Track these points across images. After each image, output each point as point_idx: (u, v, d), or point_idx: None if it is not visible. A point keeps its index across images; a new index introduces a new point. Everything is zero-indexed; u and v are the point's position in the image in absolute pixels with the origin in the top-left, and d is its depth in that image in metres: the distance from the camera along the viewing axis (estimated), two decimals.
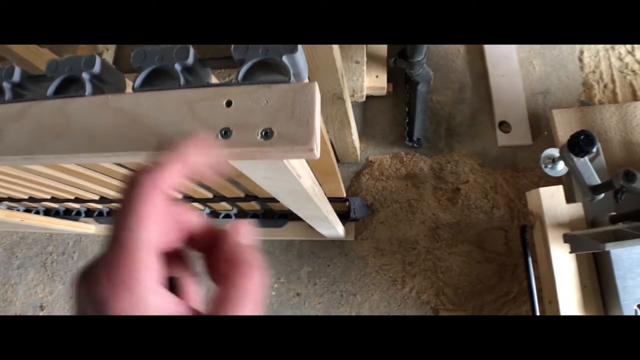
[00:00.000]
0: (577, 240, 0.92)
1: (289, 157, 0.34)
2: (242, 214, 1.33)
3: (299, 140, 0.32)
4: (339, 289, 1.28)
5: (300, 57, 0.38)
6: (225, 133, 0.33)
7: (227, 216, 1.32)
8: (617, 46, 1.37)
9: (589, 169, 0.92)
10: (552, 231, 0.98)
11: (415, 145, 1.32)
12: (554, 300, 0.96)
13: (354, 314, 1.25)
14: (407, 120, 1.33)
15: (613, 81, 1.33)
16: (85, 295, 0.25)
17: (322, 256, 1.31)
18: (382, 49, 1.35)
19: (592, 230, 0.93)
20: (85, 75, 0.41)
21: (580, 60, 1.37)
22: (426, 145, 1.34)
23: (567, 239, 0.95)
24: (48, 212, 1.42)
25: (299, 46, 0.37)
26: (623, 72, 1.34)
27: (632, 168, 0.84)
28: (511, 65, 1.38)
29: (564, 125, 1.16)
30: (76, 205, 1.36)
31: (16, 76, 0.44)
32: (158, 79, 0.40)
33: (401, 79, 1.39)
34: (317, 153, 0.33)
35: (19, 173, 0.94)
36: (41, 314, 1.40)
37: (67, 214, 1.42)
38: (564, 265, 0.96)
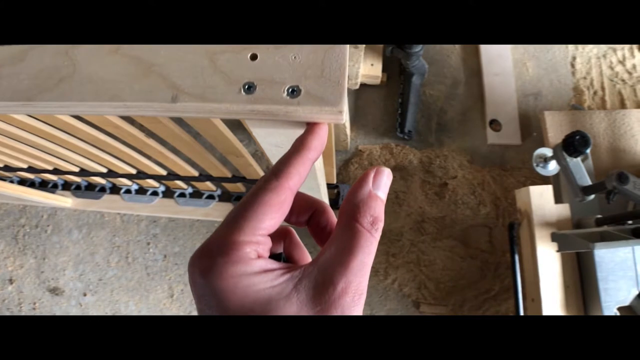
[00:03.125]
0: (566, 239, 0.92)
1: (315, 118, 0.32)
2: (226, 196, 1.30)
3: (328, 100, 0.30)
4: None
5: None
6: (249, 88, 0.31)
7: (210, 197, 1.29)
8: (608, 55, 1.38)
9: (581, 170, 0.93)
10: (539, 230, 0.99)
11: (406, 137, 1.31)
12: (537, 299, 0.96)
13: None
14: (399, 112, 1.32)
15: (603, 88, 1.35)
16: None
17: (305, 243, 1.28)
18: None
19: (580, 231, 0.94)
20: None
21: (573, 65, 1.39)
22: (416, 139, 1.34)
23: (555, 237, 0.95)
24: (22, 183, 1.36)
25: None
26: (613, 81, 1.36)
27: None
28: (505, 65, 1.39)
29: (555, 127, 1.17)
30: (53, 177, 1.30)
31: None
32: None
33: (395, 70, 1.38)
34: (344, 117, 0.31)
35: None
36: (10, 287, 1.35)
37: (43, 186, 1.37)
38: (549, 264, 0.97)
